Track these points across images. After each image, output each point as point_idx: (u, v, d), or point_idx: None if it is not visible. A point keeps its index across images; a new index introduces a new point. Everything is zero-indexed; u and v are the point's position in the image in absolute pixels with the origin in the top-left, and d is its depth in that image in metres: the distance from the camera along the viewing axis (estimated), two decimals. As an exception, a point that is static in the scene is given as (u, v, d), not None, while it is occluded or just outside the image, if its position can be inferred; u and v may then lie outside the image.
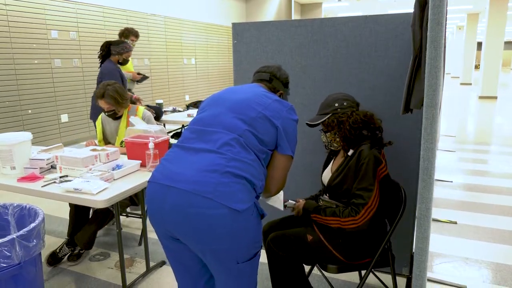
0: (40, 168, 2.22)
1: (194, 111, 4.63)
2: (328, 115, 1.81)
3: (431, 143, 1.23)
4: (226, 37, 10.77)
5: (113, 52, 3.88)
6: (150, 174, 2.19)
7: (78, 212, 2.63)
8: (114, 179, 2.11)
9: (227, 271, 1.34)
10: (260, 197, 1.53)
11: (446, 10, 1.43)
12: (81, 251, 2.65)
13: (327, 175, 1.91)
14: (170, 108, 4.95)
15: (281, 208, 1.74)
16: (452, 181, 4.22)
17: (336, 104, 1.81)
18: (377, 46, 2.16)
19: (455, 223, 3.16)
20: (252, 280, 1.42)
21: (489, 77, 11.66)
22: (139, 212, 3.01)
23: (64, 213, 3.37)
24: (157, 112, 4.22)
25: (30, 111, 5.54)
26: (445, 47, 1.53)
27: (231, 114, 1.42)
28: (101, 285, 2.35)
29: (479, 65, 19.18)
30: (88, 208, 2.67)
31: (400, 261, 2.32)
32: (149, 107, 4.10)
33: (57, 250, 2.57)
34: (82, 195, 1.89)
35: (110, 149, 2.43)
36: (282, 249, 1.76)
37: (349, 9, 15.63)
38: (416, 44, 1.55)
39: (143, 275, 2.42)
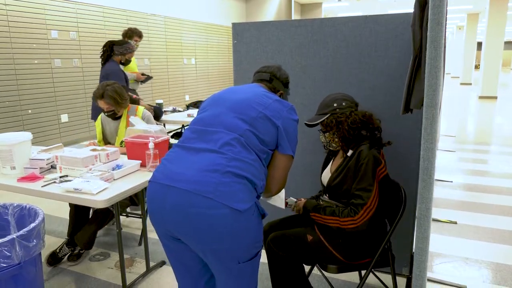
0: (40, 168, 2.22)
1: (194, 111, 4.63)
2: (327, 115, 1.81)
3: (431, 143, 1.23)
4: (226, 37, 10.77)
5: (116, 52, 3.87)
6: (150, 174, 2.20)
7: (78, 212, 2.63)
8: (114, 179, 2.11)
9: (227, 271, 1.34)
10: (261, 197, 1.53)
11: (446, 10, 1.43)
12: (81, 251, 2.65)
13: (326, 175, 1.91)
14: (170, 108, 4.95)
15: (283, 206, 1.74)
16: (452, 181, 4.22)
17: (335, 104, 1.81)
18: (377, 46, 2.16)
19: (455, 223, 3.16)
20: (252, 280, 1.42)
21: (489, 77, 11.66)
22: (139, 212, 3.01)
23: (64, 213, 3.37)
24: (157, 112, 4.21)
25: (30, 111, 5.54)
26: (445, 47, 1.53)
27: (231, 114, 1.42)
28: (101, 285, 2.35)
29: (479, 65, 19.19)
30: (88, 208, 2.67)
31: (400, 261, 2.32)
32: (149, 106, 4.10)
33: (57, 250, 2.57)
34: (82, 195, 1.89)
35: (110, 149, 2.43)
36: (282, 249, 1.76)
37: (349, 9, 15.64)
38: (416, 44, 1.55)
39: (143, 275, 2.42)
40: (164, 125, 4.27)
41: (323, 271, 2.24)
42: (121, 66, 3.95)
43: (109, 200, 1.87)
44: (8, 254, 1.56)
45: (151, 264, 2.52)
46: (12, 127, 5.31)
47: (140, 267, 2.54)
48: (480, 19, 17.17)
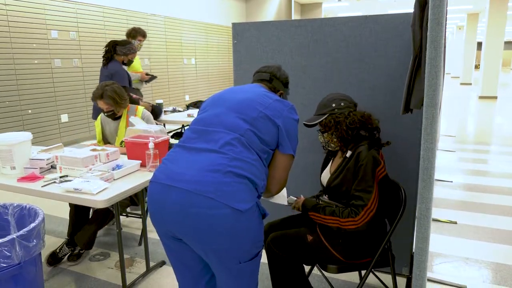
0: (40, 168, 2.22)
1: (194, 111, 4.63)
2: (325, 115, 1.80)
3: (431, 143, 1.23)
4: (226, 37, 10.77)
5: (119, 52, 3.85)
6: (150, 174, 2.20)
7: (78, 212, 2.63)
8: (114, 179, 2.11)
9: (228, 270, 1.34)
10: (262, 197, 1.53)
11: (446, 10, 1.43)
12: (81, 251, 2.65)
13: (326, 176, 1.91)
14: (170, 108, 4.95)
15: (285, 203, 1.75)
16: (452, 181, 4.22)
17: (333, 105, 1.80)
18: (377, 46, 2.16)
19: (455, 223, 3.16)
20: (253, 280, 1.42)
21: (489, 77, 11.66)
22: (139, 212, 3.01)
23: (64, 213, 3.37)
24: (156, 111, 4.19)
25: (30, 111, 5.54)
26: (445, 47, 1.53)
27: (232, 114, 1.42)
28: (101, 285, 2.35)
29: (479, 65, 19.19)
30: (88, 208, 2.67)
31: (400, 261, 2.32)
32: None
33: (57, 250, 2.57)
34: (82, 195, 1.89)
35: (110, 149, 2.43)
36: (282, 249, 1.76)
37: (349, 9, 15.64)
38: (416, 44, 1.55)
39: (143, 275, 2.42)
40: (164, 125, 4.27)
41: (323, 271, 2.24)
42: (124, 67, 3.95)
43: (109, 200, 1.87)
44: (8, 254, 1.56)
45: (151, 264, 2.52)
46: (12, 127, 5.31)
47: (140, 267, 2.54)
48: (480, 19, 17.17)
